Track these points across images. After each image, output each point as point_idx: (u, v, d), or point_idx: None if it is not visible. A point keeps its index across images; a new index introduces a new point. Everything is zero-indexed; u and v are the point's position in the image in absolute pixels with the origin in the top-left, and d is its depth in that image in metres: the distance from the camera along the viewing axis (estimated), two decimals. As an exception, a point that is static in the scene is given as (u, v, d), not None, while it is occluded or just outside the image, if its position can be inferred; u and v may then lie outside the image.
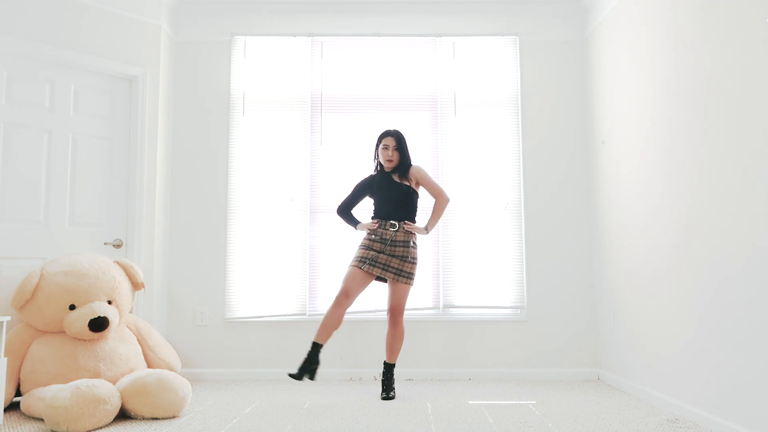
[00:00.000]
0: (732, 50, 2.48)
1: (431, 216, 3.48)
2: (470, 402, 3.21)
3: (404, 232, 3.37)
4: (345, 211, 3.55)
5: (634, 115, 3.39)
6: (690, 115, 2.79)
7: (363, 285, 3.33)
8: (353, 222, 3.52)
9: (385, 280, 3.40)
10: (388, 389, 3.34)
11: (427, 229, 3.44)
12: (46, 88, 3.52)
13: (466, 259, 4.06)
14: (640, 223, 3.30)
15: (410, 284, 3.36)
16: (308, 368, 3.18)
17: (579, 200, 4.08)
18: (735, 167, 2.45)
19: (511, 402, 3.21)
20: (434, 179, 3.59)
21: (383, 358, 3.80)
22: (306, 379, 3.20)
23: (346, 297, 3.27)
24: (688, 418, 2.76)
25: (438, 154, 4.12)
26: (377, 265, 3.31)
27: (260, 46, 4.22)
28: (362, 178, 3.59)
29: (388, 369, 3.39)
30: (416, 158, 4.03)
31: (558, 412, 2.96)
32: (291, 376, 3.16)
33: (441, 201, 3.46)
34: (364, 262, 3.30)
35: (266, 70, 4.21)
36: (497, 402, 3.21)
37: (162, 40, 3.97)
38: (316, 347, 3.22)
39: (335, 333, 3.96)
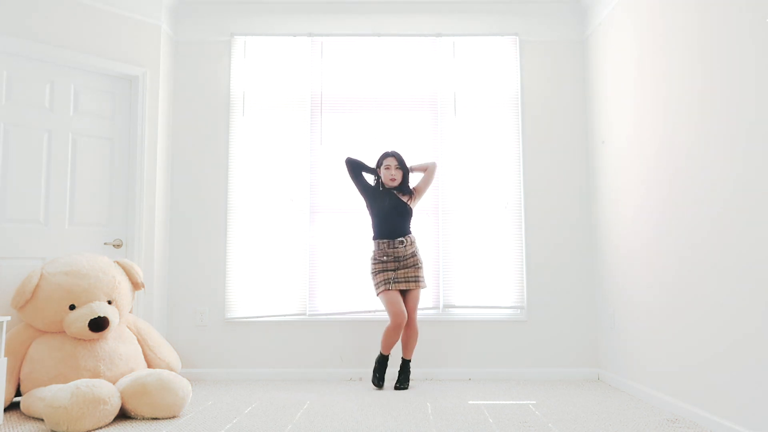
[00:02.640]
0: (732, 50, 2.48)
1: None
2: (470, 402, 3.21)
3: (410, 244, 3.63)
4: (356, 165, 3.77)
5: (634, 115, 3.39)
6: (690, 115, 2.79)
7: (401, 298, 3.59)
8: (366, 167, 3.78)
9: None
10: (402, 380, 3.59)
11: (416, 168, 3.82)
12: (46, 88, 3.51)
13: (466, 259, 4.06)
14: (640, 223, 3.30)
15: (423, 286, 3.65)
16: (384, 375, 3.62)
17: (579, 200, 4.08)
18: (736, 167, 2.45)
19: (511, 402, 3.21)
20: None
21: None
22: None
23: (402, 317, 3.52)
24: (688, 418, 2.76)
25: (438, 154, 4.12)
26: (400, 281, 3.59)
27: (260, 46, 4.22)
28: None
29: (405, 363, 3.65)
30: (416, 158, 4.05)
31: (558, 412, 2.96)
32: (376, 385, 3.60)
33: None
34: (389, 282, 3.57)
35: (266, 70, 4.20)
36: (497, 402, 3.21)
37: (162, 40, 3.97)
38: (386, 359, 3.63)
39: (335, 332, 4.00)
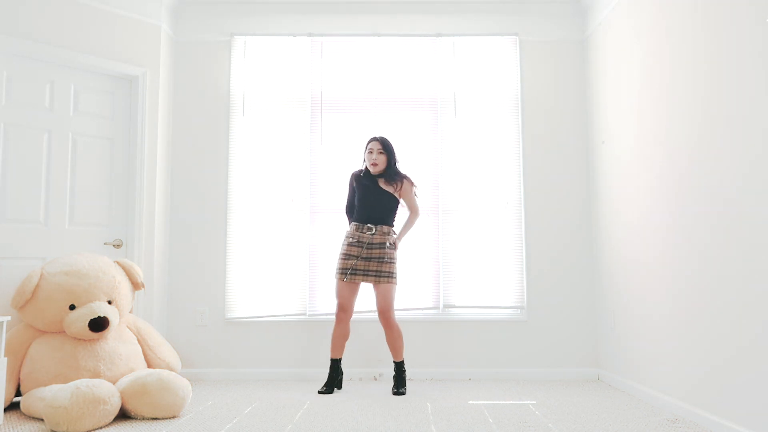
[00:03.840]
0: (732, 50, 2.47)
1: (402, 228, 3.65)
2: (470, 402, 3.21)
3: (381, 234, 3.51)
4: (351, 211, 3.70)
5: (634, 115, 3.39)
6: (690, 115, 2.79)
7: (354, 294, 3.53)
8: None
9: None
10: (398, 385, 3.47)
11: (395, 244, 3.57)
12: (46, 88, 3.51)
13: (466, 259, 4.06)
14: (640, 223, 3.30)
15: (392, 283, 3.49)
16: (334, 382, 3.51)
17: (579, 200, 4.08)
18: (735, 167, 2.44)
19: (511, 402, 3.21)
20: (416, 199, 3.68)
21: (383, 358, 3.86)
22: (335, 390, 3.53)
23: (343, 312, 3.50)
24: (688, 418, 2.76)
25: (438, 154, 4.12)
26: (357, 273, 3.48)
27: (260, 46, 4.22)
28: (350, 177, 3.73)
29: (397, 366, 3.51)
30: (416, 159, 4.05)
31: (558, 412, 2.96)
32: (321, 392, 3.44)
33: (413, 216, 3.67)
34: (345, 274, 3.48)
35: (266, 70, 4.21)
36: (497, 402, 3.21)
37: (162, 40, 3.97)
38: (334, 362, 3.53)
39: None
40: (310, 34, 4.20)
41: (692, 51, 2.77)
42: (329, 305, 4.02)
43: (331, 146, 4.16)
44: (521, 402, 3.21)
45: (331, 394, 3.43)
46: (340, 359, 3.54)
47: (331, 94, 4.19)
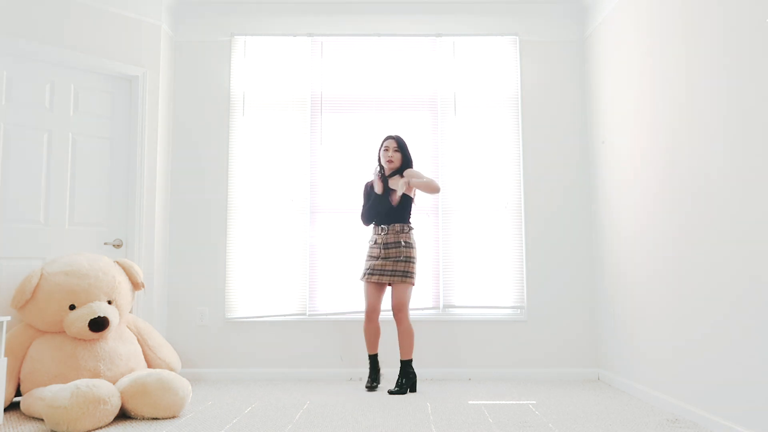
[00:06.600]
0: (732, 50, 2.47)
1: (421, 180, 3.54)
2: (470, 402, 3.21)
3: (393, 233, 3.54)
4: (363, 216, 3.73)
5: (634, 115, 3.39)
6: (690, 115, 2.79)
7: (379, 294, 3.59)
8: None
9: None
10: (399, 383, 3.45)
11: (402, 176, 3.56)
12: (46, 88, 3.52)
13: (466, 259, 4.06)
14: (640, 223, 3.30)
15: (407, 282, 3.50)
16: (377, 376, 3.61)
17: (579, 200, 4.08)
18: (735, 168, 2.44)
19: (511, 402, 3.21)
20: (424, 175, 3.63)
21: (383, 358, 3.85)
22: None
23: (372, 311, 3.58)
24: (688, 418, 2.76)
25: (438, 154, 4.12)
26: (375, 273, 3.53)
27: (260, 46, 4.22)
28: (365, 185, 3.80)
29: (403, 365, 3.51)
30: (416, 158, 4.04)
31: (558, 412, 2.96)
32: (367, 387, 3.55)
33: (431, 182, 3.54)
34: (370, 274, 3.54)
35: (266, 70, 4.21)
36: (497, 402, 3.21)
37: (162, 40, 3.97)
38: (370, 358, 3.62)
39: (335, 332, 3.99)
40: (310, 34, 4.20)
41: (692, 50, 2.77)
42: (329, 305, 4.03)
43: (331, 146, 4.16)
44: (521, 402, 3.21)
45: (330, 395, 3.42)
46: (376, 354, 3.61)
47: (331, 94, 4.19)
